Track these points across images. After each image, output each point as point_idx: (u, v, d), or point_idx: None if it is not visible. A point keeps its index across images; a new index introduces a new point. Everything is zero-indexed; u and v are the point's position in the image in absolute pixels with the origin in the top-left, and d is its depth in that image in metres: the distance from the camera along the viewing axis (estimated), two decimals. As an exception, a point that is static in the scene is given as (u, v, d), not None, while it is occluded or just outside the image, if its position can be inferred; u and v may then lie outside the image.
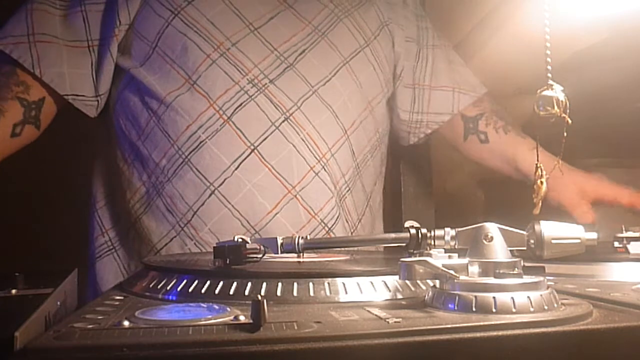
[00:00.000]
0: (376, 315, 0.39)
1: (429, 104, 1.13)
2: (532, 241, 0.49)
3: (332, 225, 0.94)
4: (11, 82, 0.91)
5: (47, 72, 0.91)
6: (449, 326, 0.36)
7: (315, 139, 0.95)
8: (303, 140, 0.93)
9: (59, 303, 0.46)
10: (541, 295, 0.40)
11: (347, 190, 0.99)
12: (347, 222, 0.99)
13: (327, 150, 0.95)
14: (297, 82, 0.95)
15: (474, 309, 0.40)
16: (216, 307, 0.41)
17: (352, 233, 1.00)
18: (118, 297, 0.49)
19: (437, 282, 0.44)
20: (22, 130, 0.92)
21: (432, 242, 0.52)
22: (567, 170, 1.01)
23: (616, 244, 0.76)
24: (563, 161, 0.59)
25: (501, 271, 0.42)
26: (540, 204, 0.59)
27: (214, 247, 0.55)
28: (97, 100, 0.97)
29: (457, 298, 0.41)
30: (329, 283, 0.47)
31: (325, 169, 0.94)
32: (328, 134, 0.96)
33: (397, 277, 0.44)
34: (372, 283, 0.48)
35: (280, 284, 0.47)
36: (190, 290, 0.48)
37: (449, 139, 1.17)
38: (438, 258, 0.44)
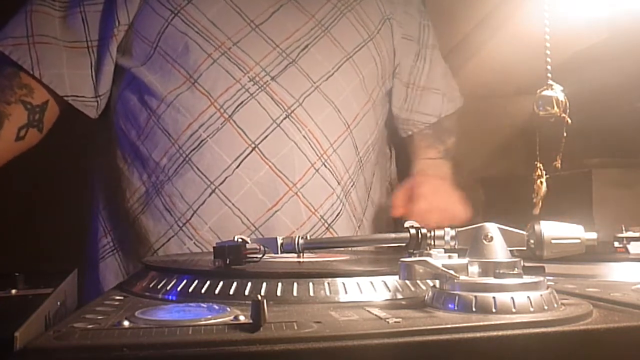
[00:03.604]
0: (376, 315, 0.39)
1: (419, 104, 1.14)
2: (532, 241, 0.49)
3: (332, 221, 0.94)
4: (14, 84, 0.91)
5: (46, 73, 0.91)
6: (449, 326, 0.36)
7: (317, 135, 0.94)
8: (305, 137, 0.93)
9: (59, 303, 0.46)
10: (541, 295, 0.40)
11: (352, 185, 0.99)
12: (353, 217, 0.99)
13: (329, 146, 0.95)
14: (299, 78, 0.95)
15: (474, 309, 0.40)
16: (216, 307, 0.41)
17: (358, 228, 1.00)
18: (118, 297, 0.49)
19: (437, 282, 0.44)
20: (26, 134, 0.92)
21: (432, 242, 0.52)
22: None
23: (616, 244, 0.76)
24: (562, 161, 0.59)
25: (501, 271, 0.42)
26: (540, 203, 0.59)
27: (214, 247, 0.55)
28: (97, 101, 0.97)
29: (457, 298, 0.41)
30: (328, 283, 0.47)
31: (325, 165, 0.94)
32: (330, 130, 0.96)
33: (397, 277, 0.44)
34: (372, 283, 0.48)
35: (280, 284, 0.47)
36: (190, 290, 0.48)
37: None
38: (438, 258, 0.44)
